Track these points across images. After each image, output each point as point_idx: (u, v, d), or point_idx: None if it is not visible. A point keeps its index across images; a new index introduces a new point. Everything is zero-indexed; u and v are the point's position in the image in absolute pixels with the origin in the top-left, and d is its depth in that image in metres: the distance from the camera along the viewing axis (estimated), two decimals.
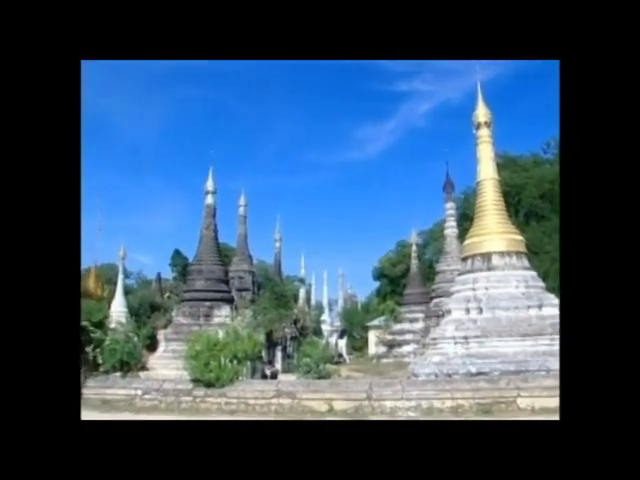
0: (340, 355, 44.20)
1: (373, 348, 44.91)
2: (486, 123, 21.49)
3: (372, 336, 47.12)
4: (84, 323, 17.82)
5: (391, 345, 38.69)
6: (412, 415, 13.33)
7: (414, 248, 43.44)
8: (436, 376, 17.41)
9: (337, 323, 56.03)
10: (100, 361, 17.58)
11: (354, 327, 54.69)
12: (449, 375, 17.15)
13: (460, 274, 21.80)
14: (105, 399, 16.00)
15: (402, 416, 13.33)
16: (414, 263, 42.59)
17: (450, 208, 37.52)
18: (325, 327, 49.41)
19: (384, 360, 36.80)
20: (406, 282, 45.21)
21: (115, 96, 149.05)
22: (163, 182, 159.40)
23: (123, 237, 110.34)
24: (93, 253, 49.99)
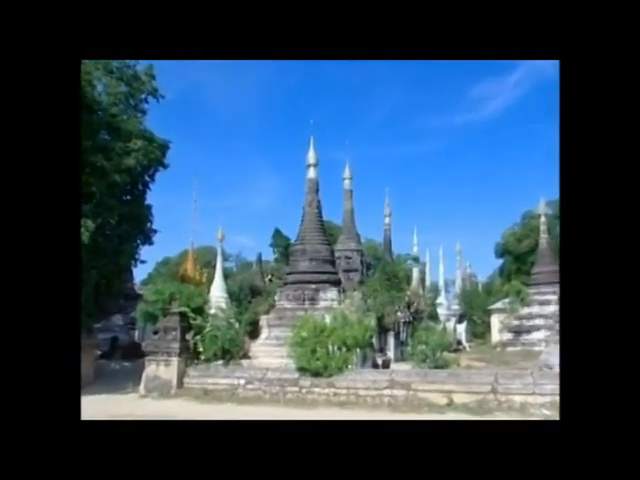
0: (459, 342, 43.76)
1: (497, 334, 43.99)
2: None
3: (495, 321, 46.41)
4: (183, 309, 18.29)
5: (518, 331, 37.93)
6: (546, 413, 12.74)
7: (543, 220, 41.65)
8: None
9: (455, 306, 55.30)
10: (201, 349, 17.95)
11: (474, 311, 54.10)
12: None
13: None
14: (207, 389, 16.57)
15: (535, 413, 12.83)
16: (543, 237, 41.20)
17: None
18: (442, 311, 48.69)
19: (510, 348, 36.24)
20: (534, 259, 43.87)
21: (209, 72, 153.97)
22: (261, 157, 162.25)
23: (221, 218, 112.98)
24: (190, 236, 51.71)
